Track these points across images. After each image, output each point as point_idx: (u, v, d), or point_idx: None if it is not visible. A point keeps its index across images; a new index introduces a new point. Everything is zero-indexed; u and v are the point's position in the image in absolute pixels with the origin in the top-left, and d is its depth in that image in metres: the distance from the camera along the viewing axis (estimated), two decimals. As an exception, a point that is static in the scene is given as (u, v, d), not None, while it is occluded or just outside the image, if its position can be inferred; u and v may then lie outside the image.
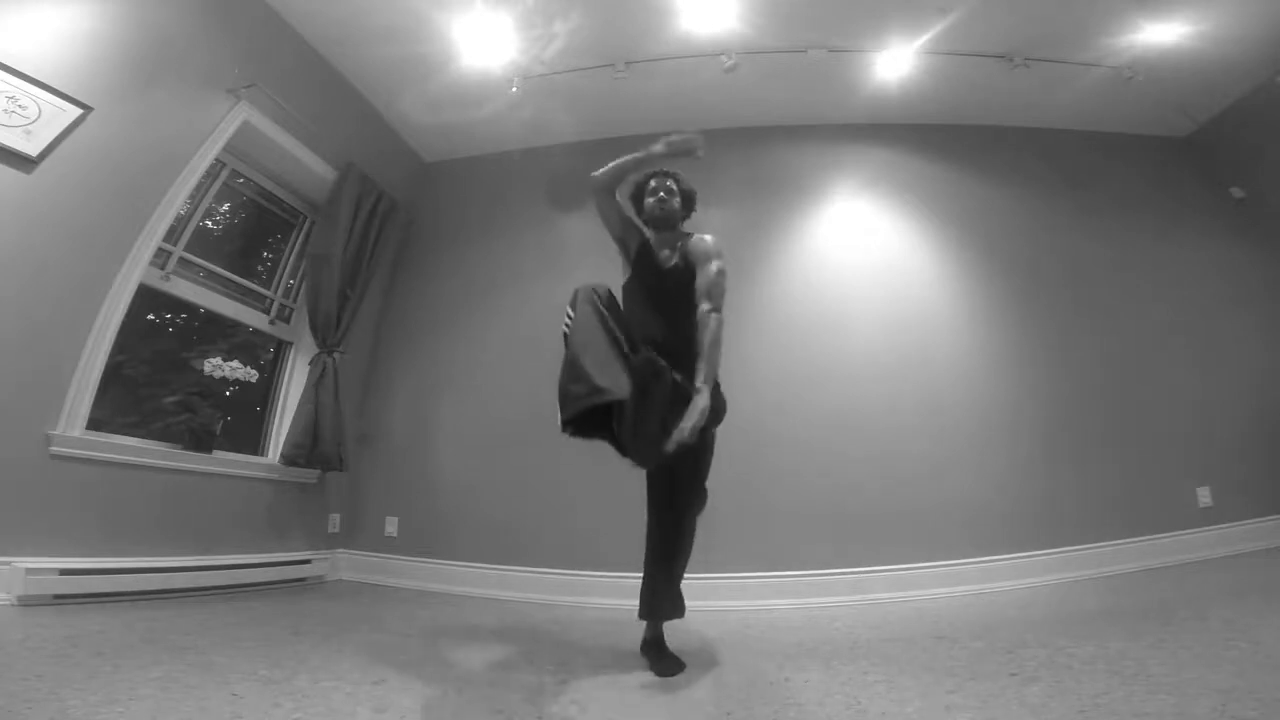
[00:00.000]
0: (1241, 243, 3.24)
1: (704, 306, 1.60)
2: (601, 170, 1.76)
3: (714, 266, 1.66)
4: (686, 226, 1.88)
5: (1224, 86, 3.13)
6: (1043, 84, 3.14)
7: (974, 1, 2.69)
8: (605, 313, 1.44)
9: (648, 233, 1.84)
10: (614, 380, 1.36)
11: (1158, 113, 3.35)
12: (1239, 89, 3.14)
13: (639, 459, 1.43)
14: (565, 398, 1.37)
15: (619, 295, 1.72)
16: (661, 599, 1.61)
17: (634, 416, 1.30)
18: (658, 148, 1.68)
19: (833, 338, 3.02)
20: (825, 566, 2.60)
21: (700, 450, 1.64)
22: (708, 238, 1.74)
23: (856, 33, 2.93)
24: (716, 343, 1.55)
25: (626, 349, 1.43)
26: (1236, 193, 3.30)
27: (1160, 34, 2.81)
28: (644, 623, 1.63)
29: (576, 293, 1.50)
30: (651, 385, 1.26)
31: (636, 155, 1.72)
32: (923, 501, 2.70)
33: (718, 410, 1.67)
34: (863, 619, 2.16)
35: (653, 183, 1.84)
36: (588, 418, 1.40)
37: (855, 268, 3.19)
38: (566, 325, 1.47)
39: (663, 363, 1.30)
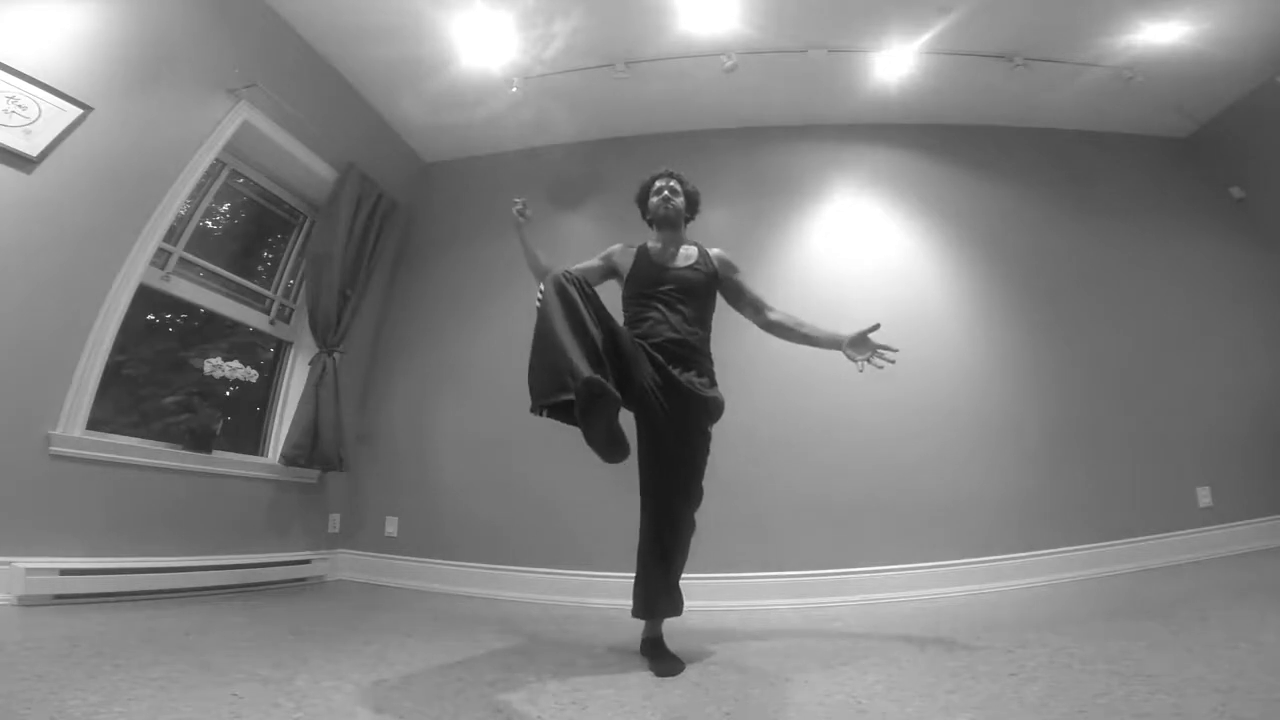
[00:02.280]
0: (1241, 242, 3.24)
1: (774, 315, 1.81)
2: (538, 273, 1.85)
3: (750, 283, 1.86)
4: (689, 229, 1.92)
5: (1224, 87, 3.13)
6: (1043, 84, 3.14)
7: (974, 1, 2.69)
8: (576, 297, 1.40)
9: (650, 242, 1.86)
10: (575, 376, 1.30)
11: (1158, 113, 3.35)
12: (1239, 89, 3.14)
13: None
14: (532, 386, 1.36)
15: (618, 308, 1.73)
16: (658, 596, 1.60)
17: (582, 427, 1.29)
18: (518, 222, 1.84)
19: (833, 338, 3.02)
20: (825, 566, 2.60)
21: (697, 448, 1.66)
22: (726, 255, 1.86)
23: (856, 33, 2.93)
24: (798, 321, 1.79)
25: (595, 334, 1.39)
26: (1236, 193, 3.30)
27: (1160, 34, 2.81)
28: (642, 622, 1.63)
29: (559, 273, 1.47)
30: (589, 409, 1.24)
31: (522, 246, 1.86)
32: (922, 501, 2.70)
33: (716, 408, 1.69)
34: (863, 619, 2.16)
35: (658, 183, 1.88)
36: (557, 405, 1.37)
37: (855, 268, 3.19)
38: (539, 300, 1.44)
39: (605, 387, 1.23)
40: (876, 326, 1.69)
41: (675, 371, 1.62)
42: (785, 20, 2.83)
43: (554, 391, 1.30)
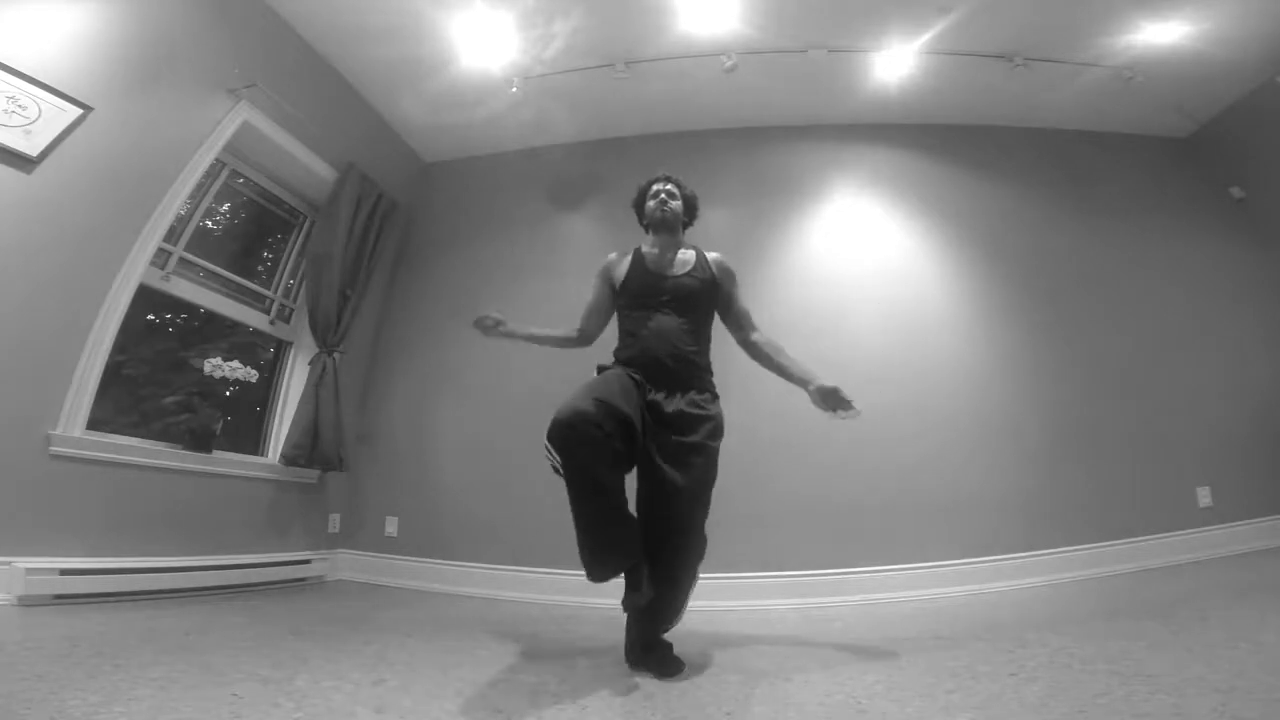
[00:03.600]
0: (1241, 243, 3.24)
1: (756, 336, 1.76)
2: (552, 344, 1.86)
3: (742, 298, 1.80)
4: (687, 235, 1.86)
5: (1224, 86, 3.13)
6: (1043, 84, 3.14)
7: (974, 1, 2.69)
8: (585, 458, 1.36)
9: (645, 248, 1.79)
10: (626, 549, 1.42)
11: (1158, 113, 3.35)
12: (1239, 89, 3.14)
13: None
14: (586, 565, 1.43)
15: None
16: (638, 650, 1.53)
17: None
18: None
19: (832, 338, 3.02)
20: (824, 566, 2.60)
21: (701, 477, 1.53)
22: (726, 263, 1.79)
23: (856, 33, 2.93)
24: (777, 349, 1.75)
25: (615, 490, 1.42)
26: (1236, 193, 3.30)
27: (1160, 34, 2.81)
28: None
29: (558, 428, 1.37)
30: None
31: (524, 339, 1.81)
32: (922, 501, 2.70)
33: (717, 430, 1.62)
34: (863, 619, 2.16)
35: (654, 186, 1.82)
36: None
37: (855, 268, 3.19)
38: (551, 462, 1.40)
39: (641, 596, 1.40)
40: (858, 414, 1.67)
41: (672, 402, 1.54)
42: (785, 20, 2.83)
43: (608, 574, 1.42)
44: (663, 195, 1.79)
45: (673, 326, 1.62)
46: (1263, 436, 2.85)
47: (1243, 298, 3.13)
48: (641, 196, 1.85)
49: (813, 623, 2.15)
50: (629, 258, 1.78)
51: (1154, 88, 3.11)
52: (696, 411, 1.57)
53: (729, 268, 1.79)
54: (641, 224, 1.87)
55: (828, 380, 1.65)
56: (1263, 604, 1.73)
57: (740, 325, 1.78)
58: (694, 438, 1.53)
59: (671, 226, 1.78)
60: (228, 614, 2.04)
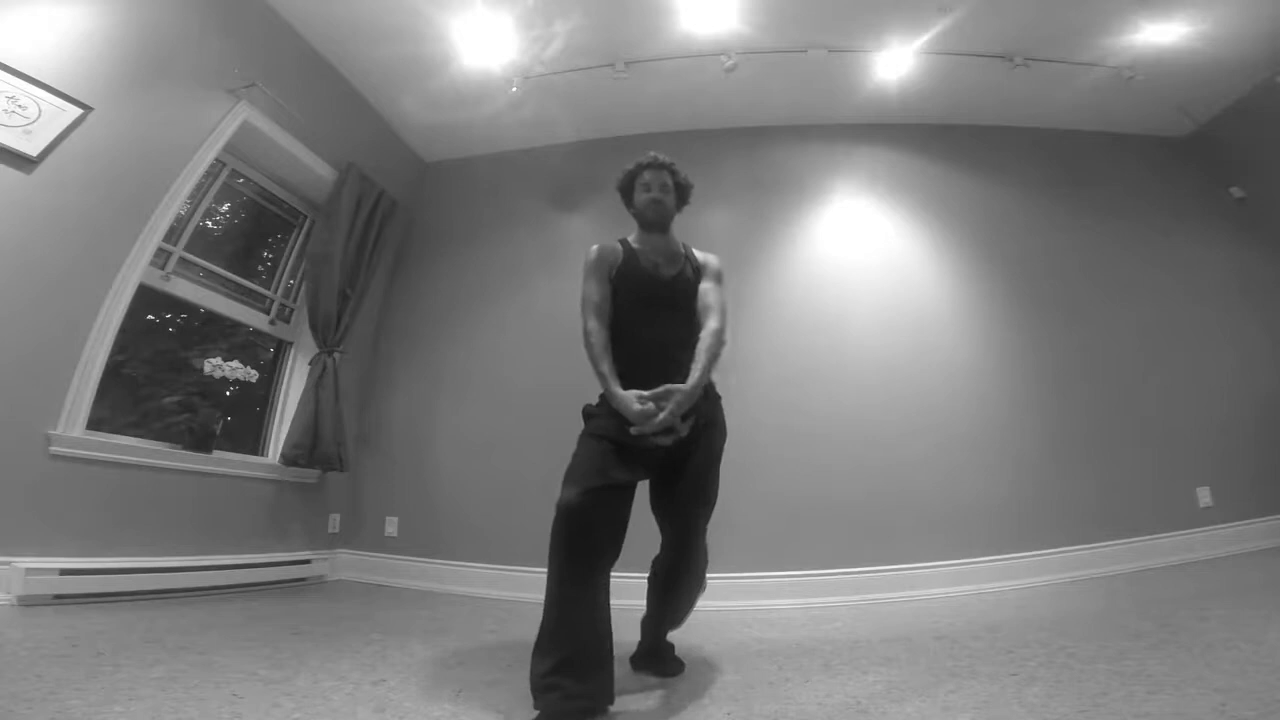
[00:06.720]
0: (1241, 242, 3.24)
1: (713, 324, 1.49)
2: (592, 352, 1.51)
3: (721, 291, 1.58)
4: (679, 226, 1.71)
5: (1224, 86, 3.13)
6: (1043, 84, 3.14)
7: (974, 1, 2.69)
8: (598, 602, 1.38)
9: (634, 243, 1.63)
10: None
11: (1158, 113, 3.35)
12: (1239, 89, 3.14)
13: None
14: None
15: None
16: (645, 652, 1.57)
17: None
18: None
19: (832, 337, 3.03)
20: (825, 566, 2.60)
21: (706, 486, 1.49)
22: (714, 259, 1.64)
23: (856, 33, 2.93)
24: (715, 359, 1.47)
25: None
26: (1236, 192, 3.30)
27: (1160, 34, 2.81)
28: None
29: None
30: None
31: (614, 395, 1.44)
32: (922, 501, 2.70)
33: (721, 429, 1.57)
34: (863, 619, 2.16)
35: (646, 175, 1.62)
36: None
37: (855, 267, 3.19)
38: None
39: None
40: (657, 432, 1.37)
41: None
42: (785, 20, 2.83)
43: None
44: (655, 193, 1.61)
45: (673, 334, 1.50)
46: (1263, 436, 2.85)
47: (1242, 297, 3.13)
48: (629, 180, 1.66)
49: (813, 622, 2.15)
50: (620, 251, 1.59)
51: (1154, 87, 3.11)
52: (701, 421, 1.48)
53: (716, 266, 1.63)
54: (629, 209, 1.70)
55: (685, 394, 1.36)
56: (1263, 604, 1.73)
57: (716, 313, 1.53)
58: (697, 445, 1.48)
59: (665, 225, 1.63)
60: (228, 614, 2.04)
